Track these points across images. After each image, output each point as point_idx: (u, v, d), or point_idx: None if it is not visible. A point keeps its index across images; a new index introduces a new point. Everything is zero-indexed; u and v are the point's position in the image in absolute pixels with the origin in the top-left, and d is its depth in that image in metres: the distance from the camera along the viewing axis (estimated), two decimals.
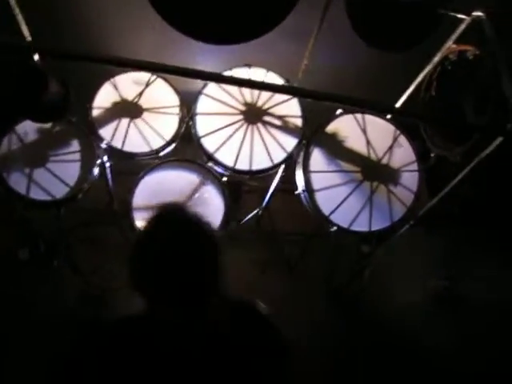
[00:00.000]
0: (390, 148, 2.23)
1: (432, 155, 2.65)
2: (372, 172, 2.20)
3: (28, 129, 2.06)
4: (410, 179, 2.22)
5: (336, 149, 2.21)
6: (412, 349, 1.96)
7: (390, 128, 2.27)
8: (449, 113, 1.93)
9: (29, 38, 1.93)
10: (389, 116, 2.29)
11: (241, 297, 1.32)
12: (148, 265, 1.17)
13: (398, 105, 2.38)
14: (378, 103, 1.78)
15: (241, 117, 2.21)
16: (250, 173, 2.18)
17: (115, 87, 2.22)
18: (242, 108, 2.23)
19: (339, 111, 2.24)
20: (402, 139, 2.25)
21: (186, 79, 2.29)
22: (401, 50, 1.93)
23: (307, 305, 2.77)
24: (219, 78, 1.89)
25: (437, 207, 2.19)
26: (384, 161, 2.22)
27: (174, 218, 1.23)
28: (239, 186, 3.14)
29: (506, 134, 1.60)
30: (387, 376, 2.28)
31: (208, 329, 1.23)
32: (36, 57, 1.92)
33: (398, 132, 2.26)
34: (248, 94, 2.25)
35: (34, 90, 1.53)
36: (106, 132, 2.16)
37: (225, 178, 2.34)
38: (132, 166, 2.25)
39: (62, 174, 2.05)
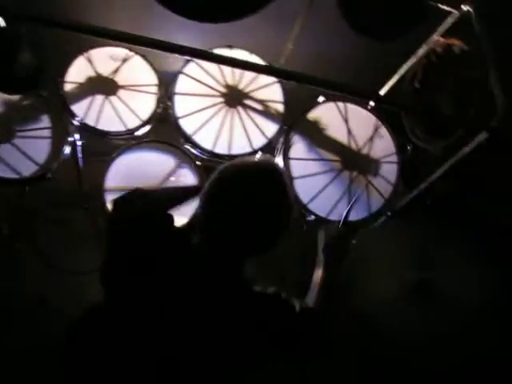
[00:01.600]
0: (371, 138, 2.22)
1: (408, 147, 2.66)
2: (352, 162, 2.18)
3: None
4: (389, 170, 2.22)
5: (317, 137, 2.18)
6: (386, 343, 1.96)
7: (372, 118, 2.25)
8: (432, 106, 1.92)
9: None
10: (371, 106, 2.27)
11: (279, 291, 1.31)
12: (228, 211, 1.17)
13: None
14: (362, 90, 1.76)
15: (221, 99, 2.14)
16: (229, 157, 2.12)
17: (90, 61, 2.10)
18: (223, 90, 2.15)
19: (321, 99, 2.20)
20: (383, 130, 2.24)
21: (165, 58, 2.21)
22: (388, 39, 1.90)
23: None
24: (200, 54, 1.80)
25: (411, 199, 2.21)
26: (364, 151, 2.21)
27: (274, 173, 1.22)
28: (211, 170, 3.07)
29: (490, 130, 1.60)
30: (361, 370, 2.30)
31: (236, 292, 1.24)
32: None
33: (380, 123, 2.24)
34: (229, 75, 2.18)
35: (3, 55, 1.41)
36: (78, 108, 2.05)
37: (198, 163, 2.28)
38: (105, 146, 2.15)
39: (30, 150, 1.93)
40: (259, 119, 2.17)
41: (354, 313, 2.00)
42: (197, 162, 2.14)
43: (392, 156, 2.22)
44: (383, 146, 2.23)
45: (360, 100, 2.24)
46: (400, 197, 2.17)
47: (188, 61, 2.14)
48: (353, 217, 2.17)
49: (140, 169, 2.14)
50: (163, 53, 2.16)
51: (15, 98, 1.96)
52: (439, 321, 1.89)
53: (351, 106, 2.23)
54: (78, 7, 2.41)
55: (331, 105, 2.21)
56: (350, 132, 2.20)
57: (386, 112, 2.27)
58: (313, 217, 2.11)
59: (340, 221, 1.64)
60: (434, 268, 1.96)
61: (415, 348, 1.91)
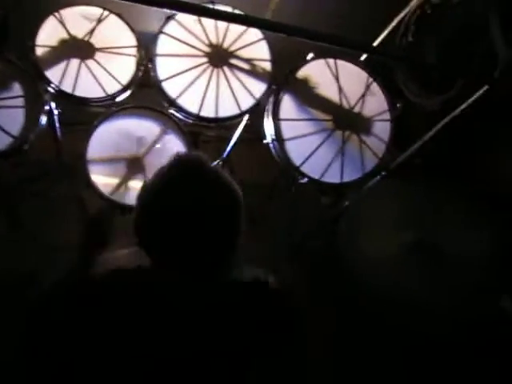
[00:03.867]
0: (363, 96, 2.13)
1: (398, 105, 2.59)
2: (344, 121, 2.10)
3: None
4: (383, 129, 2.15)
5: (307, 96, 2.09)
6: (387, 306, 1.93)
7: (363, 75, 2.15)
8: (427, 57, 1.84)
9: None
10: (362, 62, 2.17)
11: (257, 274, 1.19)
12: (163, 220, 1.05)
13: None
14: (355, 41, 1.65)
15: (205, 59, 2.02)
16: (216, 120, 2.02)
17: (61, 22, 1.94)
18: (207, 50, 2.03)
19: (310, 56, 2.10)
20: (375, 87, 2.16)
21: (143, 17, 2.08)
22: None
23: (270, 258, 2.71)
24: (181, 7, 1.64)
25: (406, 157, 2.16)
26: (356, 109, 2.12)
27: (192, 168, 1.10)
28: (197, 136, 2.97)
29: (492, 83, 1.53)
30: (361, 335, 2.29)
31: (212, 297, 1.11)
32: None
33: (371, 79, 2.16)
34: (213, 34, 2.05)
35: None
36: (53, 74, 1.90)
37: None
38: (84, 114, 2.03)
39: (3, 122, 1.80)
40: (246, 79, 2.06)
41: (350, 276, 1.97)
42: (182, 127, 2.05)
43: (385, 114, 2.15)
44: (375, 104, 2.15)
45: (350, 56, 2.15)
46: (394, 155, 2.12)
47: (168, 19, 2.00)
48: (346, 177, 2.13)
49: (123, 137, 2.03)
50: (140, 11, 2.04)
51: None
52: (440, 281, 1.86)
53: (341, 63, 2.13)
54: None
55: (321, 62, 2.11)
56: (341, 90, 2.11)
57: (376, 70, 2.19)
58: (306, 179, 2.05)
59: None
60: (433, 227, 1.92)
61: (416, 310, 1.88)
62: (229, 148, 2.61)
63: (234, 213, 1.11)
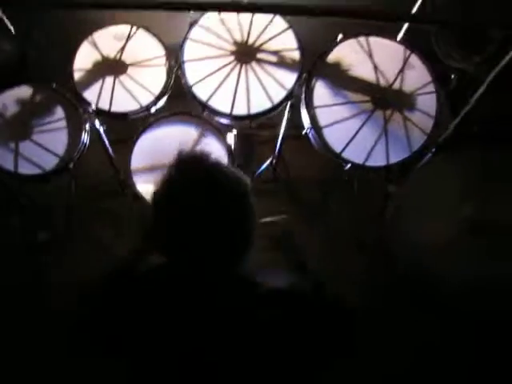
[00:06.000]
0: (401, 71, 2.01)
1: (452, 77, 2.41)
2: (383, 99, 1.98)
3: (6, 101, 1.93)
4: (428, 103, 2.00)
5: (341, 79, 2.00)
6: (461, 293, 1.78)
7: (399, 49, 2.03)
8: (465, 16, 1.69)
9: None
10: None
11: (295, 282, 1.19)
12: (172, 220, 1.06)
13: None
14: (391, 12, 1.53)
15: (232, 58, 2.01)
16: (250, 117, 2.00)
17: (95, 45, 2.05)
18: (233, 48, 2.03)
19: (340, 37, 2.02)
20: (414, 59, 2.02)
21: (169, 29, 2.13)
22: None
23: (335, 255, 2.64)
24: (211, 6, 1.63)
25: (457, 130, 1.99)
26: (396, 86, 2.00)
27: (197, 167, 1.09)
28: (250, 138, 2.98)
29: None
30: (427, 326, 2.14)
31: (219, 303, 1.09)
32: None
33: (408, 52, 2.02)
34: (237, 32, 2.04)
35: None
36: (91, 94, 1.99)
37: (234, 131, 2.18)
38: (123, 129, 2.11)
39: (49, 144, 1.92)
40: (275, 71, 2.02)
41: (415, 263, 1.84)
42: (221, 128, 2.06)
43: (428, 86, 2.00)
44: (417, 77, 2.01)
45: (384, 32, 2.04)
46: (443, 129, 1.97)
47: (191, 25, 2.03)
48: (393, 158, 2.01)
49: (163, 145, 2.07)
50: (165, 23, 2.10)
51: (26, 95, 1.95)
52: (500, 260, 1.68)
53: (374, 40, 2.02)
54: None
55: (352, 41, 2.02)
56: (376, 68, 2.00)
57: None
58: (349, 165, 1.96)
59: None
60: (492, 204, 1.74)
61: (473, 292, 1.71)
62: (278, 145, 2.59)
63: (242, 205, 1.09)
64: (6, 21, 1.82)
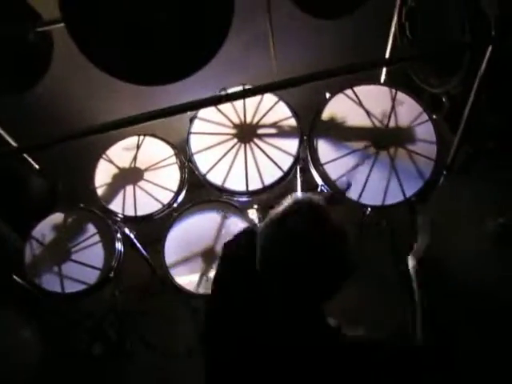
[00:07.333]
0: (393, 109, 2.12)
1: (444, 99, 2.50)
2: (384, 140, 2.08)
3: (43, 230, 2.10)
4: (426, 131, 2.08)
5: (339, 132, 2.12)
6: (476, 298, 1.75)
7: (385, 90, 2.16)
8: (431, 45, 1.82)
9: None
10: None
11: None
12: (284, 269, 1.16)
13: None
14: (368, 61, 1.66)
15: (235, 140, 2.16)
16: (265, 189, 2.10)
17: (110, 161, 2.23)
18: (233, 131, 2.18)
19: (327, 96, 2.16)
20: (401, 96, 2.14)
21: (173, 129, 2.30)
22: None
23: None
24: (208, 102, 1.77)
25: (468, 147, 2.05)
26: (392, 124, 2.10)
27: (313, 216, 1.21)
28: (271, 209, 3.06)
29: (494, 42, 1.48)
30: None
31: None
32: None
33: (394, 91, 2.15)
34: (234, 116, 2.21)
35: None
36: (116, 205, 2.15)
37: (255, 206, 2.29)
38: (152, 229, 2.24)
39: (88, 259, 2.06)
40: (278, 142, 2.15)
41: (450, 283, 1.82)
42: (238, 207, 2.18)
43: (422, 115, 2.10)
44: (408, 110, 2.12)
45: (365, 79, 2.17)
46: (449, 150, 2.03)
47: (192, 120, 2.20)
48: (409, 191, 2.06)
49: (191, 235, 2.19)
50: (168, 125, 2.28)
51: (59, 220, 2.12)
52: None
53: (359, 89, 2.15)
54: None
55: (339, 96, 2.16)
56: (368, 113, 2.12)
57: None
58: (369, 209, 2.02)
59: None
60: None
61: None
62: None
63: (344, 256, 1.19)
64: (30, 160, 2.02)
